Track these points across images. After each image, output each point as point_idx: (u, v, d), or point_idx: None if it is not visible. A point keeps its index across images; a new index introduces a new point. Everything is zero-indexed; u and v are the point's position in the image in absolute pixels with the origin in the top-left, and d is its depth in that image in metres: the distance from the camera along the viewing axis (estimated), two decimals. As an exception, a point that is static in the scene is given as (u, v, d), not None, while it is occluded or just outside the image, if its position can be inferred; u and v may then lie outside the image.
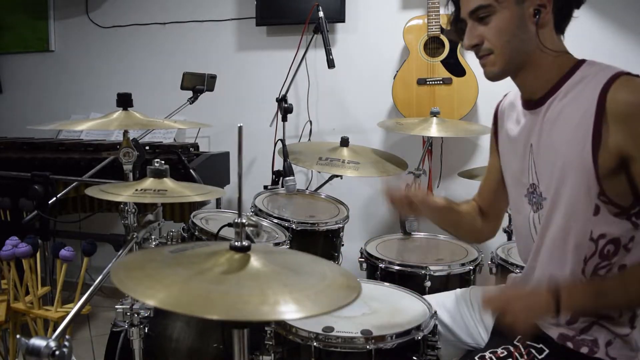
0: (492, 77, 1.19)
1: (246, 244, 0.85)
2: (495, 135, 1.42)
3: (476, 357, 1.21)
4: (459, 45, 2.51)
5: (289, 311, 0.73)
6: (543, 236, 1.21)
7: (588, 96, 1.08)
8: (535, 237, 1.24)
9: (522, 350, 1.18)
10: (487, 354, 1.21)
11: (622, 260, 1.12)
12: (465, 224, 1.48)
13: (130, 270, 0.82)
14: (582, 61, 1.16)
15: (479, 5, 1.13)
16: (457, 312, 1.46)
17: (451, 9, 1.25)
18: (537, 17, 1.11)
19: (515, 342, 1.20)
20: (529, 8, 1.11)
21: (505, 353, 1.19)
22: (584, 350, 1.14)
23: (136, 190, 1.23)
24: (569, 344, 1.16)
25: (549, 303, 1.09)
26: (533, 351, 1.18)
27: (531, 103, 1.21)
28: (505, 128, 1.34)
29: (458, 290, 1.54)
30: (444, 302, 1.49)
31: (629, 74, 1.08)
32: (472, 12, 1.15)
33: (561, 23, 1.16)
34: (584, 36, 2.49)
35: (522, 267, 1.74)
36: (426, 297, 1.50)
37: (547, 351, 1.17)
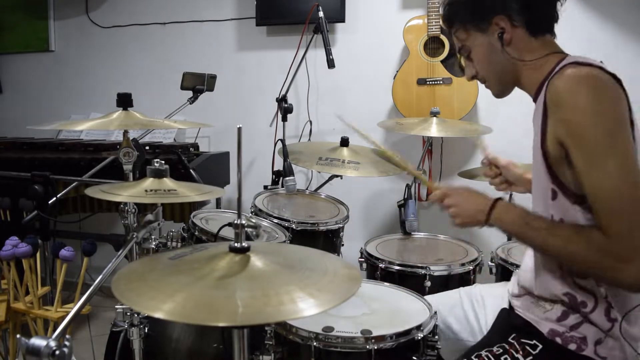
0: (499, 95, 1.33)
1: (246, 245, 0.85)
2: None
3: (473, 357, 1.22)
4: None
5: (292, 311, 0.73)
6: None
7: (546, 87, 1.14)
8: None
9: (517, 346, 1.20)
10: (484, 353, 1.22)
11: None
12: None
13: (131, 282, 0.81)
14: (565, 56, 1.19)
15: (458, 47, 1.31)
16: (461, 310, 1.47)
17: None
18: (501, 39, 1.20)
19: (510, 340, 1.22)
20: (493, 34, 1.21)
21: (501, 351, 1.21)
22: (572, 347, 1.15)
23: (146, 191, 1.23)
24: (558, 340, 1.17)
25: (484, 206, 1.21)
26: (527, 347, 1.19)
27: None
28: None
29: (462, 288, 1.54)
30: (448, 301, 1.49)
31: (579, 63, 1.10)
32: (458, 53, 1.33)
33: (535, 27, 1.20)
34: (584, 37, 2.50)
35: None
36: (430, 296, 1.50)
37: (540, 347, 1.19)
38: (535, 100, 1.23)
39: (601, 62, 1.11)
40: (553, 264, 1.19)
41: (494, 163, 1.60)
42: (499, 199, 1.23)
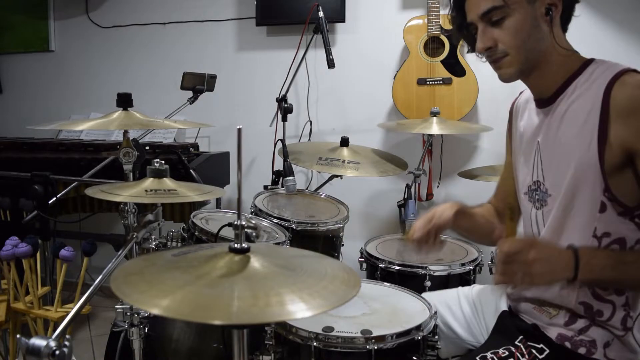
0: (508, 78, 1.18)
1: (245, 246, 0.85)
2: (509, 133, 1.43)
3: (477, 358, 1.21)
4: (459, 45, 2.51)
5: (288, 312, 0.73)
6: (548, 232, 1.20)
7: (594, 93, 1.09)
8: (540, 233, 1.24)
9: (524, 350, 1.19)
10: (489, 354, 1.21)
11: None
12: (480, 228, 1.44)
13: (130, 278, 0.81)
14: (591, 60, 1.16)
15: (492, 6, 1.11)
16: (459, 309, 1.47)
17: (454, 13, 1.23)
18: (550, 15, 1.11)
19: (516, 343, 1.21)
20: (541, 7, 1.11)
21: (507, 353, 1.19)
22: (582, 350, 1.14)
23: (146, 191, 1.23)
24: (567, 344, 1.16)
25: (569, 261, 1.05)
26: (534, 351, 1.18)
27: (542, 101, 1.22)
28: (518, 126, 1.35)
29: (461, 288, 1.54)
30: (446, 300, 1.49)
31: (634, 70, 1.09)
32: (484, 15, 1.13)
33: (566, 20, 1.17)
34: (584, 37, 2.50)
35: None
36: (428, 294, 1.50)
37: (547, 351, 1.18)
38: (552, 97, 1.18)
39: None
40: None
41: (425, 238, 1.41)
42: (575, 247, 1.08)
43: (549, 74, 1.17)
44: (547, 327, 1.20)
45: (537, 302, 1.24)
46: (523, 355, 1.18)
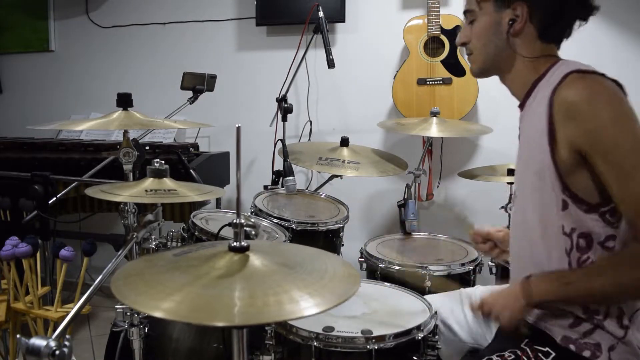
0: (474, 74, 1.31)
1: (245, 244, 0.85)
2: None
3: None
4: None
5: (290, 311, 0.73)
6: (515, 230, 1.27)
7: (545, 96, 1.13)
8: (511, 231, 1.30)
9: (530, 353, 1.18)
10: (495, 357, 1.20)
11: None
12: None
13: (130, 280, 0.81)
14: (557, 61, 1.19)
15: (466, 9, 1.26)
16: (460, 312, 1.46)
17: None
18: (510, 26, 1.18)
19: (522, 346, 1.20)
20: (506, 18, 1.18)
21: (513, 357, 1.19)
22: (587, 353, 1.14)
23: (146, 191, 1.23)
24: (572, 347, 1.16)
25: (517, 292, 1.16)
26: (540, 355, 1.18)
27: (519, 105, 1.27)
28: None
29: (462, 290, 1.54)
30: (448, 302, 1.49)
31: (582, 71, 1.10)
32: (464, 14, 1.28)
33: (546, 33, 1.19)
34: (583, 38, 2.50)
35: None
36: (430, 296, 1.50)
37: (553, 354, 1.17)
38: (523, 101, 1.23)
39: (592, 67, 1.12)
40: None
41: (485, 237, 1.52)
42: (525, 279, 1.18)
43: (517, 78, 1.23)
44: (552, 328, 1.19)
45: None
46: (529, 359, 1.18)
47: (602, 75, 1.10)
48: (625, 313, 1.14)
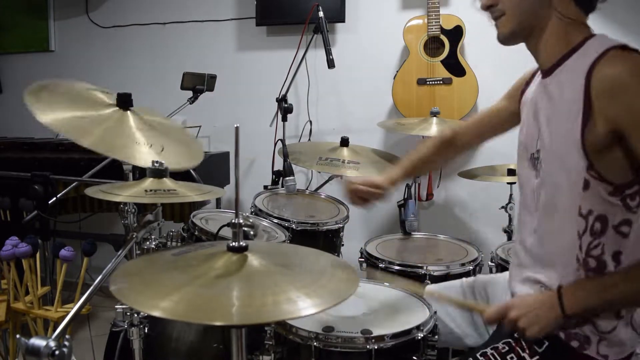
0: (503, 39, 1.20)
1: (243, 244, 0.85)
2: (521, 93, 1.37)
3: (478, 355, 1.21)
4: (459, 45, 2.51)
5: (288, 311, 0.73)
6: (541, 210, 1.20)
7: (581, 70, 1.08)
8: (537, 204, 1.23)
9: (523, 343, 1.18)
10: (489, 350, 1.20)
11: (616, 245, 1.11)
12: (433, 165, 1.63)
13: (129, 279, 0.82)
14: (593, 35, 1.15)
15: None
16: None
17: None
18: None
19: (515, 335, 1.19)
20: None
21: (507, 348, 1.19)
22: (574, 344, 1.14)
23: (146, 191, 1.23)
24: (562, 335, 1.15)
25: (553, 302, 1.10)
26: (534, 345, 1.17)
27: (544, 72, 1.21)
28: (529, 91, 1.33)
29: (464, 279, 1.53)
30: (450, 291, 1.48)
31: (622, 47, 1.07)
32: None
33: None
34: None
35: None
36: (432, 285, 1.50)
37: (546, 344, 1.17)
38: (550, 68, 1.17)
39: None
40: (572, 260, 1.15)
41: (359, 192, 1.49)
42: (556, 289, 1.12)
43: (548, 42, 1.17)
44: None
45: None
46: (523, 350, 1.17)
47: None
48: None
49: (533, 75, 1.34)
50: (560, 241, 1.16)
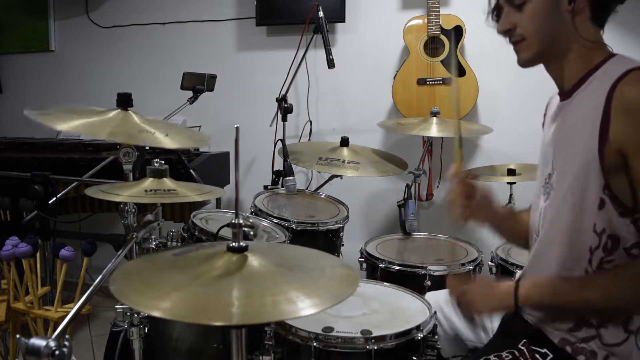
0: (524, 63, 1.19)
1: (243, 245, 0.85)
2: (542, 125, 1.39)
3: None
4: (459, 45, 2.51)
5: (287, 311, 0.73)
6: (548, 224, 1.20)
7: (602, 89, 1.08)
8: (539, 227, 1.24)
9: (527, 354, 1.18)
10: (492, 357, 1.20)
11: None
12: (518, 236, 1.45)
13: (129, 279, 0.82)
14: (613, 55, 1.15)
15: None
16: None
17: None
18: (573, 4, 1.11)
19: (519, 346, 1.20)
20: None
21: (510, 357, 1.18)
22: (581, 358, 1.13)
23: (146, 191, 1.24)
24: (568, 349, 1.15)
25: (508, 294, 1.16)
26: (537, 356, 1.17)
27: (563, 93, 1.21)
28: (546, 121, 1.34)
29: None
30: (447, 298, 1.48)
31: None
32: None
33: (599, 14, 1.15)
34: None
35: (521, 267, 1.74)
36: (432, 293, 1.50)
37: (550, 356, 1.17)
38: (571, 90, 1.17)
39: None
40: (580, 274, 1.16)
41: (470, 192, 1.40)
42: (516, 280, 1.19)
43: (569, 65, 1.16)
44: (551, 330, 1.19)
45: None
46: None
47: None
48: (633, 318, 1.12)
49: (548, 107, 1.35)
50: (570, 255, 1.16)
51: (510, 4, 1.16)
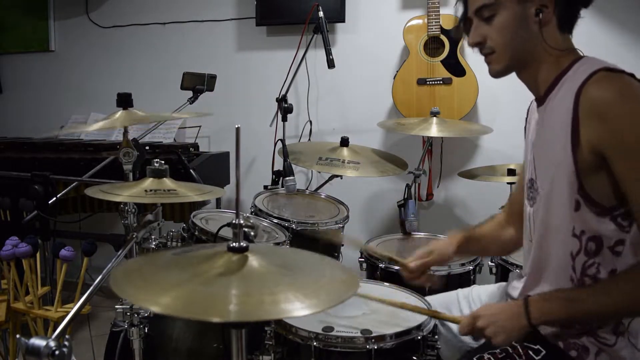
0: (496, 74, 1.22)
1: (243, 245, 0.85)
2: (524, 135, 1.40)
3: (475, 358, 1.21)
4: (459, 45, 2.51)
5: (286, 310, 0.73)
6: (536, 230, 1.22)
7: (570, 92, 1.10)
8: (532, 233, 1.25)
9: (520, 350, 1.18)
10: (486, 355, 1.20)
11: (611, 264, 1.12)
12: (491, 246, 1.53)
13: (129, 275, 0.82)
14: (581, 57, 1.16)
15: (483, 4, 1.16)
16: (458, 311, 1.46)
17: (461, 8, 1.26)
18: (540, 16, 1.12)
19: (513, 343, 1.20)
20: (531, 8, 1.13)
21: (504, 354, 1.19)
22: (573, 353, 1.14)
23: (146, 191, 1.23)
24: (560, 344, 1.16)
25: (519, 311, 1.13)
26: (530, 352, 1.18)
27: (538, 100, 1.23)
28: (527, 126, 1.35)
29: (460, 290, 1.54)
30: (446, 303, 1.49)
31: (610, 69, 1.08)
32: (477, 11, 1.18)
33: (565, 22, 1.16)
34: (585, 37, 2.50)
35: (521, 267, 1.74)
36: (428, 298, 1.50)
37: (544, 352, 1.17)
38: (544, 95, 1.18)
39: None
40: (565, 281, 1.16)
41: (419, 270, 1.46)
42: (522, 299, 1.15)
43: (540, 72, 1.18)
44: (543, 327, 1.19)
45: None
46: (520, 356, 1.17)
47: (631, 75, 1.07)
48: (622, 322, 1.13)
49: (529, 112, 1.36)
50: (554, 263, 1.18)
51: (479, 17, 1.18)
